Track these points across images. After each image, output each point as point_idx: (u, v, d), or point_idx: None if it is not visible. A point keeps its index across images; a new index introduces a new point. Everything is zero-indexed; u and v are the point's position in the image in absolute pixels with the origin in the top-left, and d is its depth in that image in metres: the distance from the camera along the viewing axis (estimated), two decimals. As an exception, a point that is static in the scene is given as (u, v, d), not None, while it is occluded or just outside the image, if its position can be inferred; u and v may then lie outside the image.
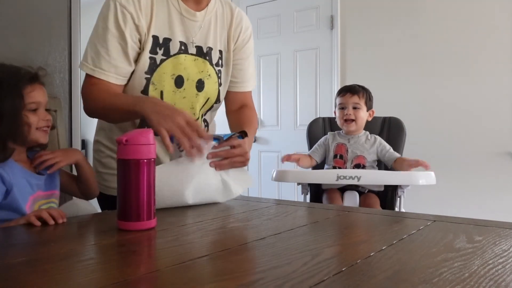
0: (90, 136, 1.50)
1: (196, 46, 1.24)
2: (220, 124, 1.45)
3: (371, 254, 0.61)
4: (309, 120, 2.39)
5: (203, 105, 1.30)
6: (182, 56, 1.21)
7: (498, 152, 2.76)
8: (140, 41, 1.17)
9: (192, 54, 1.23)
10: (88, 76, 1.16)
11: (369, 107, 2.07)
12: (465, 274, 0.52)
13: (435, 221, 0.88)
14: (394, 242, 0.69)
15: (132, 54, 1.16)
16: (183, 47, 1.22)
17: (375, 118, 2.18)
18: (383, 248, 0.65)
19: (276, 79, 3.62)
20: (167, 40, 1.19)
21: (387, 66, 3.12)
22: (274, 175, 1.90)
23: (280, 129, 3.60)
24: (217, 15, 1.29)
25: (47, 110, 1.03)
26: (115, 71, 1.15)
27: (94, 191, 1.14)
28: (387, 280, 0.51)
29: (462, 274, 0.52)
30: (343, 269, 0.54)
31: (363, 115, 2.05)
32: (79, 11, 2.85)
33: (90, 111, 1.19)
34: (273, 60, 3.62)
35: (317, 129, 2.31)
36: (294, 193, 2.92)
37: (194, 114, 1.27)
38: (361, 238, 0.75)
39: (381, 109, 2.26)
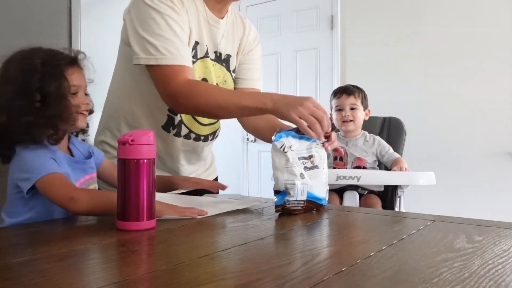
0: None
1: (215, 52, 1.28)
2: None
3: (371, 254, 0.61)
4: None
5: None
6: (208, 60, 1.25)
7: (498, 152, 2.76)
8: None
9: (212, 60, 1.26)
10: (164, 68, 1.09)
11: (365, 106, 2.07)
12: (465, 274, 0.52)
13: (435, 221, 0.88)
14: (394, 242, 0.69)
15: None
16: (207, 52, 1.25)
17: (375, 118, 2.17)
18: (383, 248, 0.65)
19: (276, 79, 3.62)
20: (196, 43, 1.22)
21: (387, 66, 3.12)
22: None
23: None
24: (233, 24, 1.33)
25: (86, 94, 1.02)
26: (189, 55, 1.14)
27: None
28: (387, 280, 0.51)
29: (462, 274, 0.52)
30: (343, 269, 0.54)
31: (361, 115, 2.05)
32: (79, 11, 2.85)
33: (194, 108, 1.12)
34: (273, 60, 3.62)
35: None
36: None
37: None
38: (361, 238, 0.75)
39: (381, 109, 2.26)
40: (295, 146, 0.98)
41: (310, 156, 0.99)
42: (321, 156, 1.02)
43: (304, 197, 0.96)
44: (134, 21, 1.12)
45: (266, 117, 1.28)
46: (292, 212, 0.96)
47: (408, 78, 3.04)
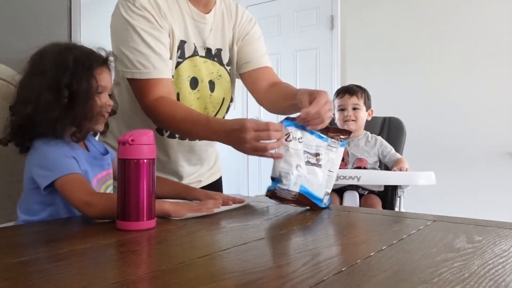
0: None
1: (205, 48, 1.25)
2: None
3: (371, 254, 0.61)
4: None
5: (221, 106, 1.31)
6: (197, 58, 1.23)
7: (498, 152, 2.76)
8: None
9: (201, 56, 1.24)
10: (141, 82, 1.12)
11: (368, 106, 2.07)
12: (465, 274, 0.52)
13: (435, 221, 0.88)
14: (394, 242, 0.69)
15: (167, 47, 1.16)
16: (196, 49, 1.23)
17: (375, 118, 2.17)
18: (383, 248, 0.65)
19: (276, 79, 3.62)
20: (182, 43, 1.20)
21: (387, 66, 3.12)
22: (274, 175, 1.90)
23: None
24: (223, 14, 1.30)
25: (109, 95, 1.01)
26: (167, 66, 1.14)
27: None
28: (387, 280, 0.51)
29: (462, 274, 0.52)
30: (343, 269, 0.54)
31: (363, 115, 2.05)
32: (79, 11, 2.85)
33: (162, 126, 1.19)
34: (273, 60, 3.60)
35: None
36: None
37: (207, 114, 1.28)
38: (361, 238, 0.75)
39: (381, 109, 2.26)
40: (304, 139, 0.99)
41: (317, 154, 0.99)
42: (330, 158, 1.00)
43: (297, 189, 0.97)
44: (113, 33, 1.16)
45: (281, 89, 1.28)
46: (282, 201, 0.99)
47: (408, 78, 3.04)
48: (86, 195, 0.86)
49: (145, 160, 0.78)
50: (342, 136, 1.03)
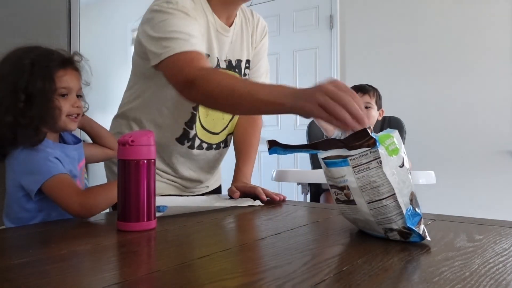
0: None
1: (226, 61, 1.26)
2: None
3: (371, 254, 0.61)
4: (309, 120, 2.39)
5: (232, 117, 1.34)
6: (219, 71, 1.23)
7: (498, 151, 2.75)
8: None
9: (223, 69, 1.25)
10: (180, 55, 1.02)
11: (379, 106, 2.07)
12: (465, 273, 0.52)
13: (435, 220, 0.88)
14: (394, 241, 0.69)
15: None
16: (218, 62, 1.23)
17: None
18: (383, 247, 0.65)
19: (276, 79, 3.62)
20: (207, 56, 1.18)
21: (386, 66, 3.12)
22: (274, 175, 1.90)
23: (280, 129, 3.60)
24: (242, 24, 1.30)
25: (79, 96, 0.99)
26: (203, 47, 1.09)
27: (112, 142, 1.11)
28: (387, 279, 0.51)
29: (463, 273, 0.52)
30: (344, 268, 0.54)
31: (375, 114, 2.04)
32: (78, 11, 2.85)
33: (208, 94, 0.98)
34: (273, 60, 3.61)
35: (317, 129, 2.31)
36: (294, 193, 2.92)
37: (224, 123, 1.31)
38: (361, 238, 0.75)
39: (381, 109, 2.27)
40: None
41: (343, 188, 0.69)
42: (360, 185, 0.67)
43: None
44: (147, 29, 1.10)
45: (243, 136, 1.34)
46: None
47: (407, 78, 3.04)
48: (75, 195, 0.86)
49: (144, 161, 0.78)
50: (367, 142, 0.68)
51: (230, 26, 1.24)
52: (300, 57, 3.54)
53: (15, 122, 0.89)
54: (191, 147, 1.27)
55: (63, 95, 0.95)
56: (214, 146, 1.32)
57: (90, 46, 3.22)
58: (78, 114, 0.98)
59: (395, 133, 0.71)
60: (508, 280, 0.50)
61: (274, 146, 0.77)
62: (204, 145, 1.29)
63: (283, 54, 3.60)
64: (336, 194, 0.72)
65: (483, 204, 2.74)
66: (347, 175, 0.68)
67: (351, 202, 0.69)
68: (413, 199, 0.68)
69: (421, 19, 3.00)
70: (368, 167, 0.66)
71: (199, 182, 1.36)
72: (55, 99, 0.93)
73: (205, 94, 0.98)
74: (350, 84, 2.20)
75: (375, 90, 2.08)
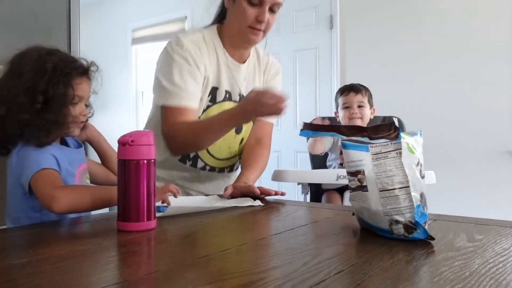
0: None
1: (240, 95, 1.36)
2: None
3: (371, 254, 0.61)
4: (309, 120, 2.39)
5: (240, 143, 1.42)
6: (227, 103, 1.33)
7: (498, 151, 2.75)
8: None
9: (235, 101, 1.34)
10: (170, 108, 1.22)
11: (371, 104, 2.09)
12: (465, 273, 0.52)
13: (435, 220, 0.88)
14: (395, 241, 0.69)
15: (200, 86, 1.27)
16: (227, 95, 1.33)
17: (374, 118, 2.18)
18: (383, 247, 0.65)
19: (276, 79, 3.62)
20: (214, 89, 1.31)
21: (386, 66, 3.12)
22: (274, 175, 1.90)
23: (280, 128, 3.60)
24: (255, 64, 1.42)
25: (86, 105, 1.02)
26: (195, 100, 1.25)
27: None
28: (387, 279, 0.51)
29: (463, 273, 0.52)
30: (344, 268, 0.54)
31: (368, 113, 2.07)
32: (78, 12, 2.85)
33: (184, 144, 1.26)
34: (273, 60, 3.61)
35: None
36: (294, 193, 2.92)
37: (230, 153, 1.39)
38: (361, 238, 0.75)
39: (380, 109, 2.26)
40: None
41: (357, 172, 0.71)
42: (376, 171, 0.68)
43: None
44: (157, 65, 1.28)
45: (251, 153, 1.40)
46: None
47: (407, 78, 3.04)
48: (52, 188, 0.85)
49: (144, 161, 0.78)
50: (390, 134, 0.70)
51: (243, 63, 1.36)
52: (300, 57, 3.54)
53: (29, 121, 0.90)
54: (194, 165, 1.35)
55: (75, 103, 0.97)
56: (217, 170, 1.39)
57: (90, 46, 3.22)
58: (83, 122, 1.01)
59: (417, 137, 0.76)
60: (508, 280, 0.50)
61: (305, 129, 0.80)
62: (207, 167, 1.37)
63: (283, 54, 3.59)
64: (349, 180, 0.73)
65: (483, 204, 2.74)
66: (365, 159, 0.70)
67: (363, 188, 0.70)
68: (423, 199, 0.69)
69: (421, 19, 3.00)
70: (387, 156, 0.68)
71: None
72: (70, 106, 0.96)
73: (179, 144, 1.26)
74: (349, 82, 2.21)
75: (366, 89, 2.10)
